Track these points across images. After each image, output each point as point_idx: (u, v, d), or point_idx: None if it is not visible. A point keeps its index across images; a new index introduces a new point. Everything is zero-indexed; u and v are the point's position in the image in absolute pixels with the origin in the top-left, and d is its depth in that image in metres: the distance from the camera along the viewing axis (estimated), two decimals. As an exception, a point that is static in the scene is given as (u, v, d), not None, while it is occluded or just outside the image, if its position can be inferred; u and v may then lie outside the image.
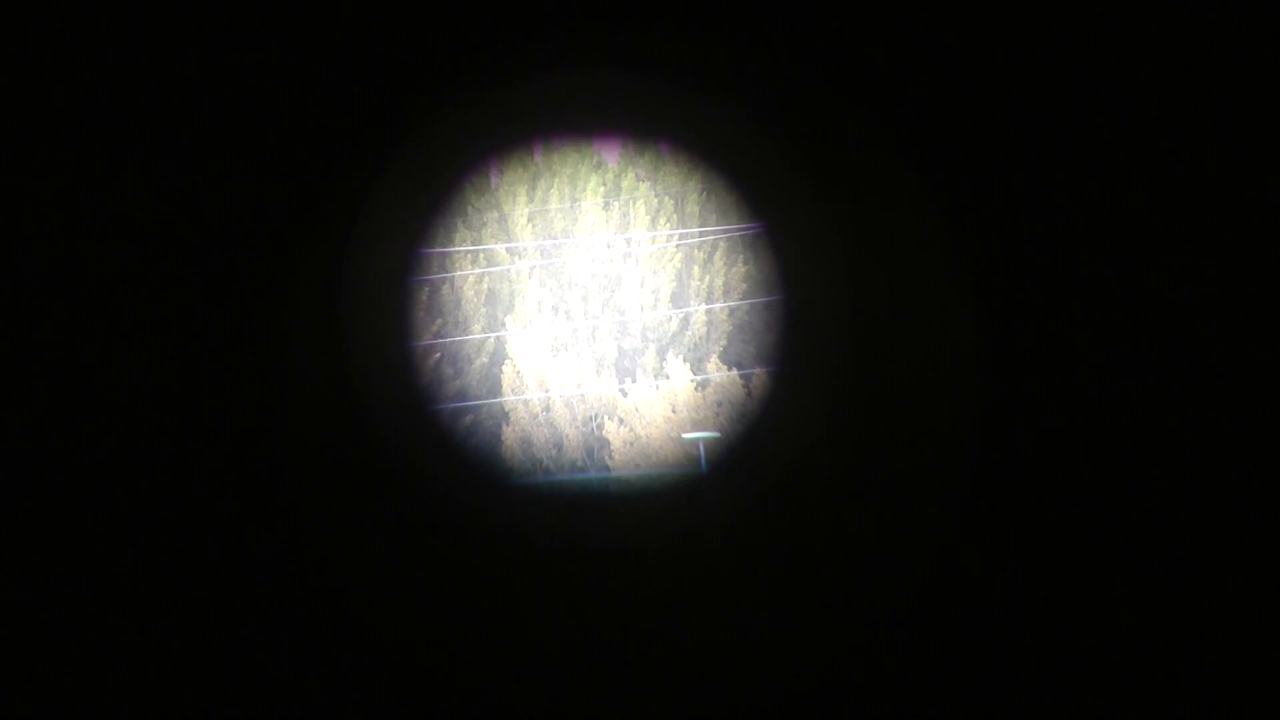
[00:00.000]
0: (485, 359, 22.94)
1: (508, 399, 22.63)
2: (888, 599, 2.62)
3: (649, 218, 23.54)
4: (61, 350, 2.50)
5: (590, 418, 22.69)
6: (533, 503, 3.43)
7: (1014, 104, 2.52)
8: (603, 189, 23.65)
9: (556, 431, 22.70)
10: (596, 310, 23.50)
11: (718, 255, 23.48)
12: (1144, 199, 2.52)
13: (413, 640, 2.66)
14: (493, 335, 22.96)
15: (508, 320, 22.96)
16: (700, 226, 23.56)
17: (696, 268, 23.52)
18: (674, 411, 21.98)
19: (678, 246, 23.44)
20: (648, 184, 23.71)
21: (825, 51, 2.56)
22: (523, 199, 23.69)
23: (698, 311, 23.27)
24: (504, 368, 22.70)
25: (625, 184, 23.59)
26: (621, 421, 22.28)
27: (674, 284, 23.52)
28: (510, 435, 22.60)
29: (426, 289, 22.22)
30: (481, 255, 23.41)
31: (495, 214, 23.82)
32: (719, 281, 23.39)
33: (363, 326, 3.14)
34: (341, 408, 3.00)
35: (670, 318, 23.35)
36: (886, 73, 2.53)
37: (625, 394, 22.59)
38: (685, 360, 22.28)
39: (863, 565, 2.76)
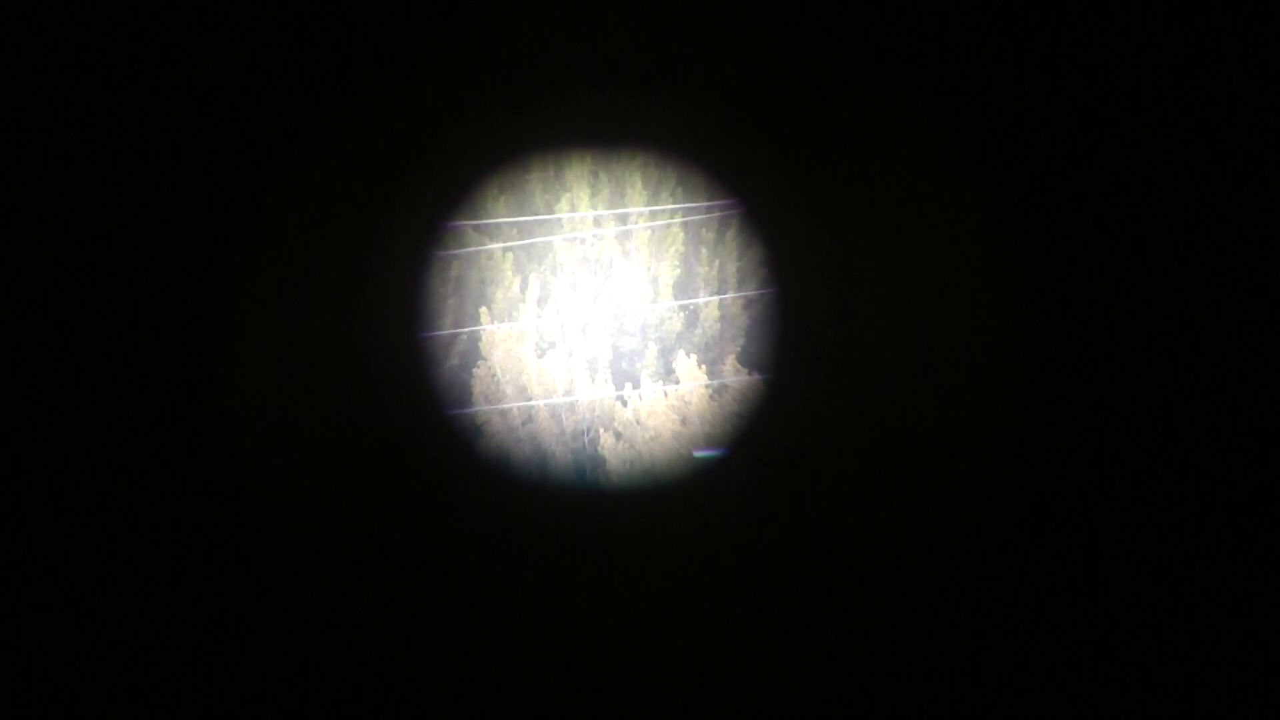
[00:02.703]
0: (455, 360, 19.01)
1: (481, 409, 18.73)
2: (891, 595, 2.77)
3: (648, 192, 19.64)
4: (54, 345, 2.59)
5: (582, 431, 18.87)
6: (531, 494, 3.52)
7: (1021, 101, 2.65)
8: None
9: (540, 448, 18.81)
10: (587, 302, 19.67)
11: (730, 235, 19.54)
12: (1137, 195, 2.63)
13: (408, 633, 2.80)
14: (464, 331, 19.03)
15: (481, 314, 19.01)
16: (707, 200, 19.66)
17: (705, 250, 19.58)
18: (684, 424, 18.11)
19: (683, 224, 19.53)
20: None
21: (832, 51, 2.73)
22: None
23: (708, 304, 19.41)
24: (476, 371, 18.76)
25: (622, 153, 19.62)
26: (619, 436, 18.44)
27: (678, 270, 19.59)
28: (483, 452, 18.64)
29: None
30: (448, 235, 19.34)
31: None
32: (732, 267, 19.50)
33: (373, 324, 3.13)
34: (341, 404, 3.04)
35: (674, 311, 19.46)
36: (913, 63, 2.68)
37: (624, 402, 18.73)
38: (700, 362, 18.43)
39: (865, 561, 2.87)
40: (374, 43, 2.63)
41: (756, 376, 18.50)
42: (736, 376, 18.58)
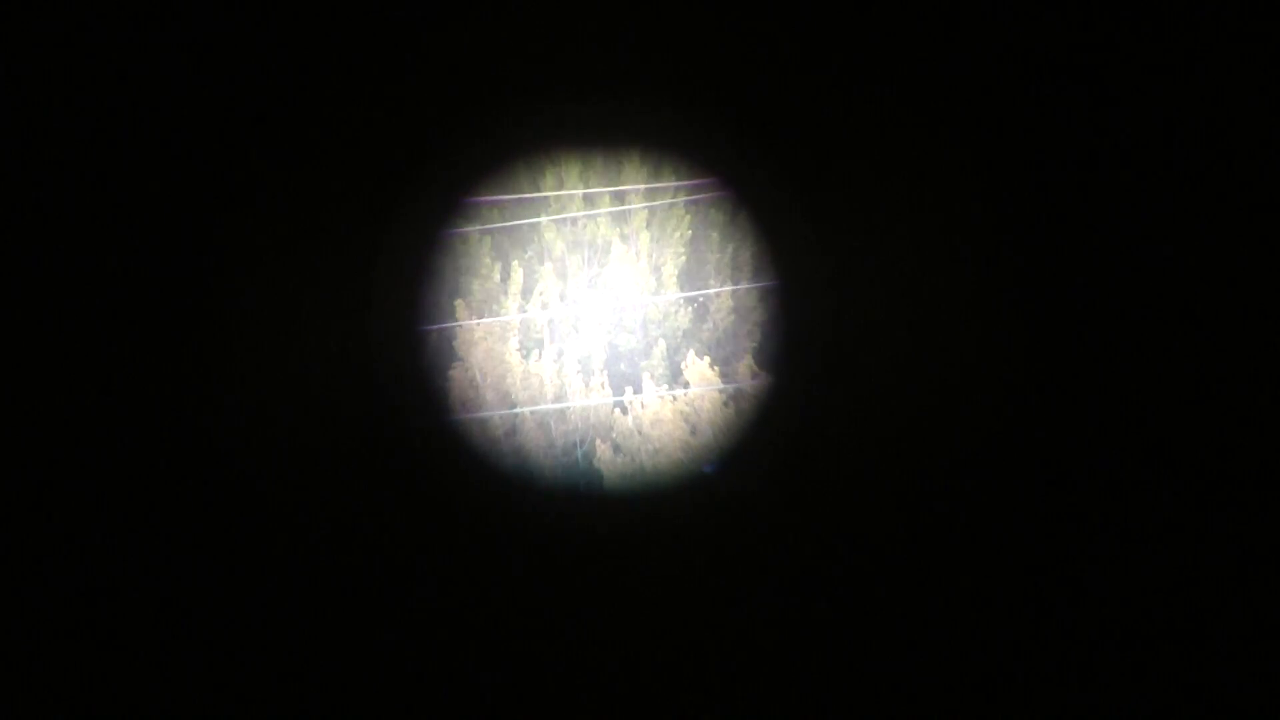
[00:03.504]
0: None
1: (457, 418, 16.41)
2: (895, 594, 2.84)
3: (648, 166, 17.27)
4: (53, 346, 2.68)
5: (574, 443, 16.61)
6: (530, 494, 3.88)
7: (1020, 102, 2.72)
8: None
9: (525, 462, 16.58)
10: (580, 293, 17.44)
11: (744, 215, 17.21)
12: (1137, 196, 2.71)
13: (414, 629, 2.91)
14: (437, 327, 16.69)
15: (456, 307, 16.76)
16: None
17: (715, 233, 17.25)
18: (693, 434, 15.91)
19: (689, 203, 17.20)
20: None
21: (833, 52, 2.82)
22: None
23: (720, 295, 17.13)
24: (451, 374, 16.47)
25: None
26: (618, 449, 16.23)
27: (684, 256, 17.25)
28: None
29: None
30: (417, 217, 17.03)
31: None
32: (747, 253, 17.20)
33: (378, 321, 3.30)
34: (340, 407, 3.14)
35: (681, 303, 17.19)
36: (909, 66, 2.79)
37: (624, 410, 16.53)
38: (712, 363, 16.22)
39: (869, 562, 2.95)
40: (374, 41, 2.67)
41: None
42: (754, 379, 16.37)
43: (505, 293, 17.15)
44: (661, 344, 17.25)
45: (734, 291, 17.33)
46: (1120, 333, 2.68)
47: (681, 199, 17.25)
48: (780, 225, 3.41)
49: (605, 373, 17.16)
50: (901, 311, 3.04)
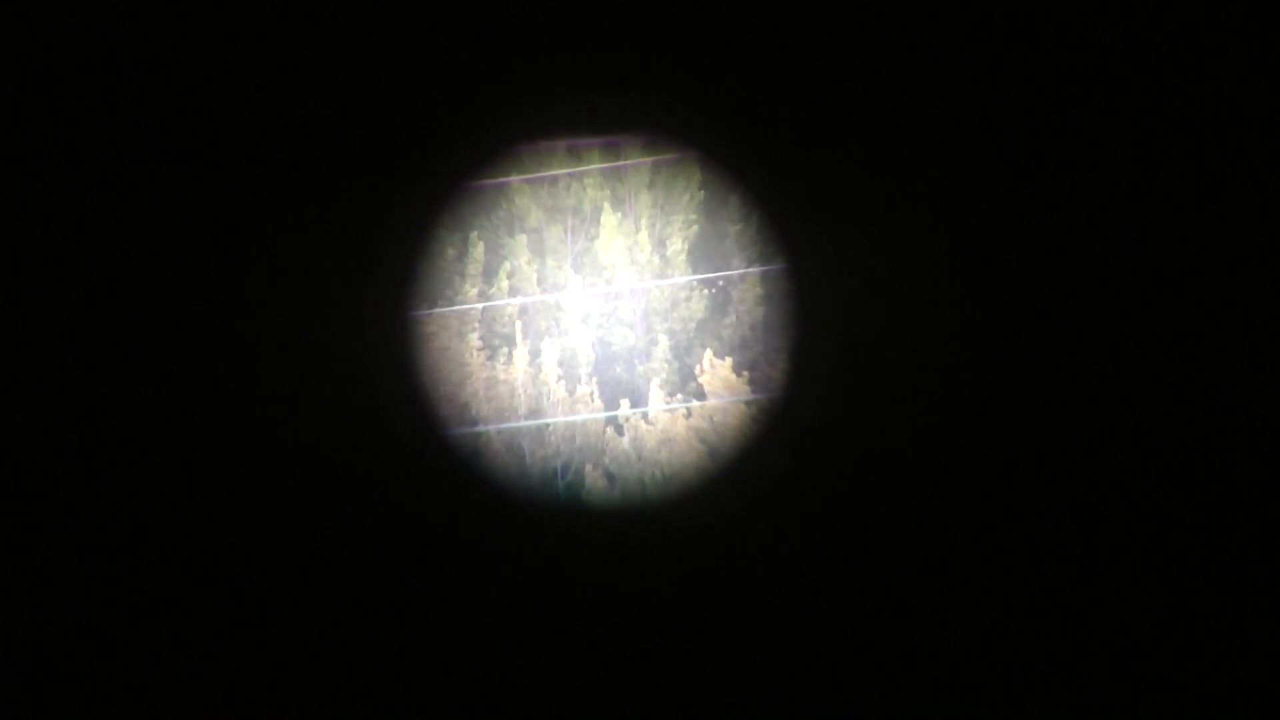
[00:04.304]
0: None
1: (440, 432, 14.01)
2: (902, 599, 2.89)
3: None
4: (53, 352, 2.87)
5: (555, 471, 14.91)
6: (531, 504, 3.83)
7: (1018, 102, 2.86)
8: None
9: (491, 493, 13.88)
10: (561, 275, 15.62)
11: (749, 210, 15.56)
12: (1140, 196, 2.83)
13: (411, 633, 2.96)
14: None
15: None
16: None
17: (736, 197, 14.58)
18: (712, 458, 13.92)
19: (702, 158, 14.37)
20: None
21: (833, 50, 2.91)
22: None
23: (745, 278, 15.23)
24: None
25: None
26: (613, 478, 14.46)
27: (695, 227, 15.45)
28: (403, 504, 14.27)
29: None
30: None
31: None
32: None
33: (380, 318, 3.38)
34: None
35: (693, 289, 15.32)
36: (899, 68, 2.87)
37: (620, 428, 14.65)
38: (736, 366, 14.21)
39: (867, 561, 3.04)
40: (370, 37, 2.83)
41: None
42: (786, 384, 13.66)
43: (462, 273, 15.41)
44: (665, 341, 15.61)
45: (763, 274, 15.22)
46: (1137, 338, 2.72)
47: (692, 152, 14.43)
48: (782, 219, 3.24)
49: (595, 379, 15.57)
50: (911, 311, 2.96)
